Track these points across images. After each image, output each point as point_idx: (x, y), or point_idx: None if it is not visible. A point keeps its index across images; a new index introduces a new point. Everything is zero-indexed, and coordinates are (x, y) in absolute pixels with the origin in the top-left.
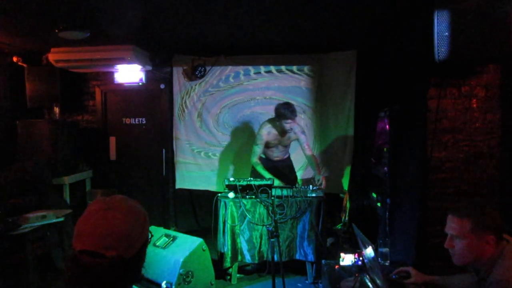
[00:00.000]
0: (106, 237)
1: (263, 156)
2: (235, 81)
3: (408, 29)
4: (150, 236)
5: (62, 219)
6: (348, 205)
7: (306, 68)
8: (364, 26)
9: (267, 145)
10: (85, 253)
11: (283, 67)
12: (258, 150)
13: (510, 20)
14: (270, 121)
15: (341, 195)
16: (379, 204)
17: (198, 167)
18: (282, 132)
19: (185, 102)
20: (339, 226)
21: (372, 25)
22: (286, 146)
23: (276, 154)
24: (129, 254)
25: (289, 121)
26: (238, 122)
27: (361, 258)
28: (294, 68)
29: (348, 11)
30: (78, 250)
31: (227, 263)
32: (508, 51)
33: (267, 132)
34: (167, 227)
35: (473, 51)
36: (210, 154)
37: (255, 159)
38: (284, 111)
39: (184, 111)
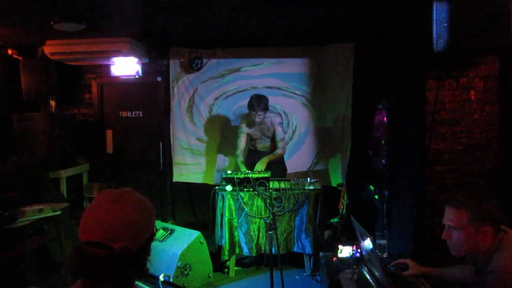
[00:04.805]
0: (114, 229)
1: (252, 148)
2: (232, 66)
3: (406, 21)
4: (155, 231)
5: (59, 212)
6: (345, 197)
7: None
8: (362, 18)
9: (251, 138)
10: (91, 244)
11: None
12: (240, 143)
13: (509, 11)
14: (248, 114)
15: (339, 187)
16: (376, 197)
17: (195, 157)
18: (256, 124)
19: (183, 95)
20: (336, 219)
21: (370, 17)
22: (272, 138)
23: (263, 145)
24: (135, 247)
25: (259, 113)
26: (235, 115)
27: (359, 250)
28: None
29: (346, 3)
30: (84, 241)
31: (225, 256)
32: (507, 42)
33: (245, 125)
34: (164, 220)
35: (472, 42)
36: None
37: (237, 151)
38: (253, 103)
39: (184, 104)
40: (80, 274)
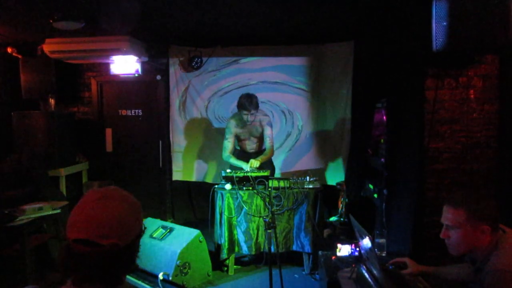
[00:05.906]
0: (102, 226)
1: (238, 149)
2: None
3: (406, 19)
4: (143, 228)
5: (58, 211)
6: (345, 196)
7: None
8: (361, 17)
9: (239, 138)
10: (79, 242)
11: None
12: (228, 144)
13: (509, 10)
14: (236, 113)
15: (338, 186)
16: (375, 195)
17: (193, 155)
18: (247, 124)
19: (183, 92)
20: (335, 218)
21: (369, 15)
22: (259, 138)
23: (250, 147)
24: (124, 243)
25: (252, 111)
26: (232, 113)
27: (358, 249)
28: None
29: (345, 1)
30: (72, 239)
31: (224, 255)
32: (507, 41)
33: (234, 125)
34: (164, 219)
35: (471, 41)
36: None
37: (225, 153)
38: (243, 102)
39: (177, 98)
40: (69, 272)
